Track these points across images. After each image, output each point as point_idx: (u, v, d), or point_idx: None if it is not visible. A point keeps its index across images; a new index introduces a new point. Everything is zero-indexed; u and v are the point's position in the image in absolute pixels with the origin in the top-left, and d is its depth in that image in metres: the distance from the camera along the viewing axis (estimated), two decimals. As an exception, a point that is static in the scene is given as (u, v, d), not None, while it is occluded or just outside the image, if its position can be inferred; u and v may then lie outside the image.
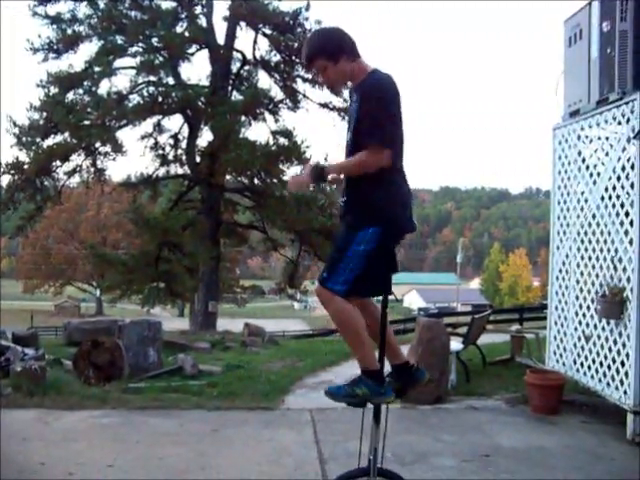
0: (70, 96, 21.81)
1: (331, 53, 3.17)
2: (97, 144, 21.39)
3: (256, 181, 23.01)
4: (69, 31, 22.53)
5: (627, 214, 5.64)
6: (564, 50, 6.93)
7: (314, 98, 22.80)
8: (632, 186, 5.58)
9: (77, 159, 22.45)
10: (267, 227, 23.87)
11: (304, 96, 22.64)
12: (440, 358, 6.70)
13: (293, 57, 21.98)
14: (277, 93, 22.75)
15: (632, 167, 5.59)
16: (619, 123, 5.89)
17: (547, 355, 7.14)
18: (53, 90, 21.82)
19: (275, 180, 22.56)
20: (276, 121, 22.78)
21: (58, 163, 22.09)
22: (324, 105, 22.37)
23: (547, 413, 6.24)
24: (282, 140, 22.34)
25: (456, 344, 7.80)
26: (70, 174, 22.84)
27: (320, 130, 25.11)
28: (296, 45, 21.56)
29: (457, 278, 69.59)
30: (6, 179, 22.08)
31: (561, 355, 6.82)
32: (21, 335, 9.35)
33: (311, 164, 3.28)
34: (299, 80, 22.57)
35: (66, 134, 21.28)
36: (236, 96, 22.74)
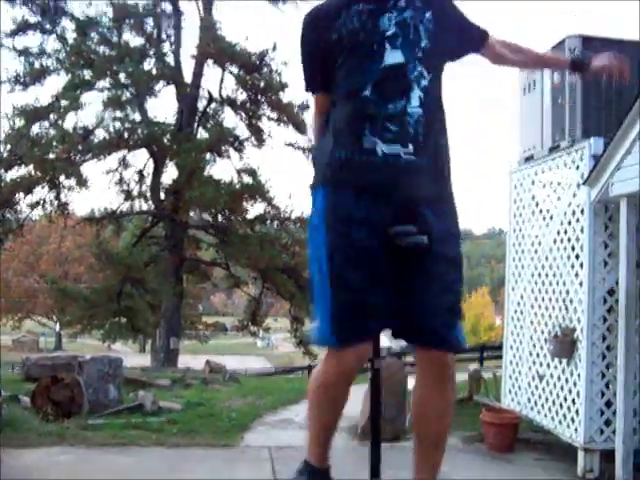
0: (35, 129, 21.81)
1: None
2: (62, 178, 21.37)
3: (220, 218, 23.14)
4: (37, 64, 22.65)
5: (577, 257, 5.87)
6: (520, 98, 7.23)
7: (279, 137, 23.14)
8: (582, 230, 5.81)
9: (41, 192, 22.38)
10: (230, 264, 23.95)
11: (269, 135, 22.97)
12: (397, 397, 6.81)
13: (259, 96, 22.31)
14: (242, 131, 23.06)
15: (582, 212, 5.83)
16: (570, 169, 6.14)
17: (502, 394, 7.29)
18: (18, 123, 21.81)
19: (239, 218, 22.72)
20: (241, 159, 23.05)
21: (21, 196, 21.99)
22: (289, 144, 22.69)
23: (502, 451, 6.36)
24: (246, 179, 22.59)
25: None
26: (33, 207, 22.73)
27: (284, 169, 25.48)
28: (262, 84, 21.91)
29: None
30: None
31: (516, 394, 6.98)
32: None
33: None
34: (264, 119, 22.91)
35: (30, 167, 21.24)
36: (202, 133, 23.00)
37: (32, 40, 23.25)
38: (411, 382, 7.51)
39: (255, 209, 23.21)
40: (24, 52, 22.69)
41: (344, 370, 2.36)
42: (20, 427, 6.50)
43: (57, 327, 53.76)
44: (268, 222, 23.62)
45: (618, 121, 5.26)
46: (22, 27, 22.85)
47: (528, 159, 6.96)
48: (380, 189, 2.30)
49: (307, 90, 2.63)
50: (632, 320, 5.30)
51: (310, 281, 2.42)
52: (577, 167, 5.94)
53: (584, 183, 5.66)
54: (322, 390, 2.46)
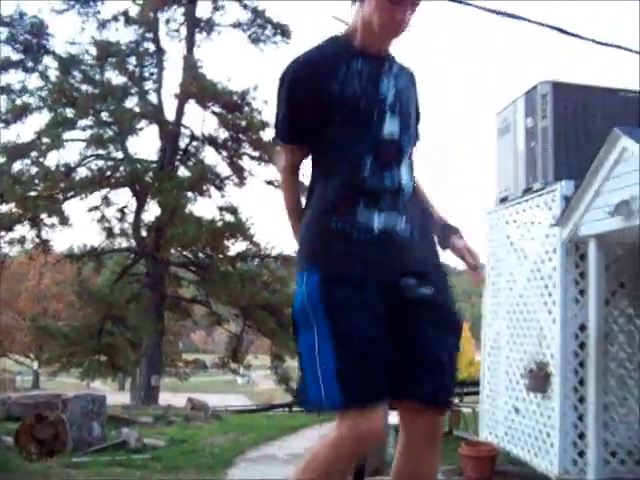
0: (17, 166, 21.87)
1: None
2: (43, 215, 21.40)
3: (201, 256, 23.24)
4: (19, 102, 22.79)
5: (550, 294, 6.10)
6: (496, 140, 7.52)
7: (260, 175, 23.39)
8: (554, 268, 6.05)
9: (21, 229, 22.37)
10: (211, 301, 23.97)
11: (250, 173, 23.18)
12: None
13: (240, 135, 22.58)
14: (224, 169, 23.26)
15: (554, 251, 6.08)
16: (542, 210, 6.40)
17: (480, 427, 7.46)
18: (0, 160, 21.88)
19: (220, 255, 22.83)
20: (222, 197, 23.21)
21: (2, 233, 21.98)
22: (269, 182, 22.92)
23: (480, 483, 6.51)
24: (228, 216, 22.74)
25: (395, 418, 8.05)
26: (14, 244, 22.72)
27: (265, 207, 25.68)
28: (243, 123, 22.20)
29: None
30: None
31: (493, 427, 7.15)
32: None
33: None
34: (245, 157, 23.15)
35: (12, 205, 21.26)
36: (183, 171, 23.15)
37: (14, 78, 23.46)
38: (392, 418, 7.71)
39: (236, 247, 23.35)
40: (6, 90, 22.82)
41: (367, 438, 2.04)
42: (4, 467, 6.55)
43: (35, 365, 53.04)
44: (249, 259, 23.73)
45: (588, 165, 5.53)
46: (4, 65, 23.00)
47: (503, 200, 7.23)
48: (378, 268, 2.13)
49: (284, 139, 2.33)
50: (601, 355, 5.52)
51: (300, 350, 2.15)
52: (549, 208, 6.20)
53: (555, 224, 5.91)
54: (334, 468, 2.09)
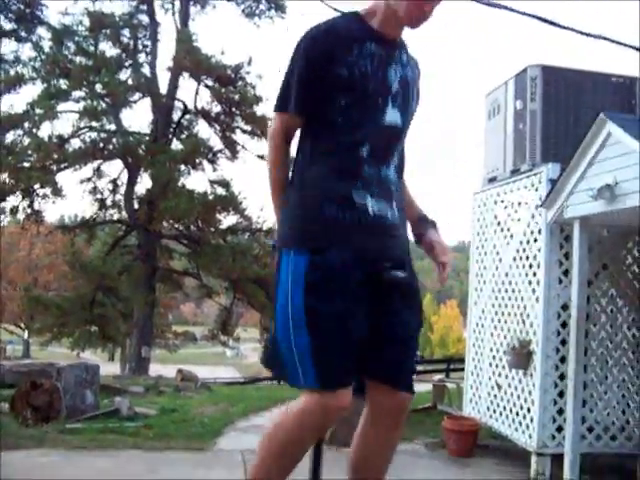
0: (10, 137, 21.88)
1: None
2: (36, 186, 21.46)
3: (193, 229, 23.39)
4: (12, 72, 22.72)
5: (534, 274, 6.27)
6: (485, 122, 7.64)
7: (252, 150, 23.44)
8: (539, 249, 6.22)
9: (14, 200, 22.45)
10: (202, 274, 24.15)
11: (242, 147, 23.27)
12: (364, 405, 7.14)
13: (233, 109, 22.62)
14: (216, 143, 23.34)
15: (539, 232, 6.23)
16: (529, 191, 6.55)
17: (464, 403, 7.67)
18: (-8, 130, 21.89)
19: (212, 229, 22.98)
20: (214, 170, 23.32)
21: (-6, 203, 22.07)
22: (261, 157, 23.01)
23: (462, 456, 6.72)
24: (220, 190, 22.87)
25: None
26: (6, 215, 22.82)
27: (257, 181, 25.75)
28: (237, 97, 22.23)
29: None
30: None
31: (476, 403, 7.35)
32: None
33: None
34: (238, 131, 23.21)
35: (5, 175, 21.31)
36: (176, 144, 23.22)
37: (7, 48, 23.36)
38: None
39: (228, 220, 23.54)
40: (-1, 60, 22.81)
41: (332, 419, 2.21)
42: (1, 431, 6.72)
43: (25, 335, 53.28)
44: (240, 233, 23.90)
45: (575, 148, 5.67)
46: (-3, 34, 22.95)
47: (491, 180, 7.37)
48: (368, 251, 2.22)
49: (287, 108, 2.30)
50: (582, 334, 5.70)
51: (277, 324, 2.27)
52: (536, 189, 6.34)
53: (541, 205, 6.06)
54: (298, 440, 2.24)
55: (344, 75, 2.18)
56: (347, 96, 2.21)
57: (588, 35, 6.34)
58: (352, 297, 2.15)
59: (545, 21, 5.99)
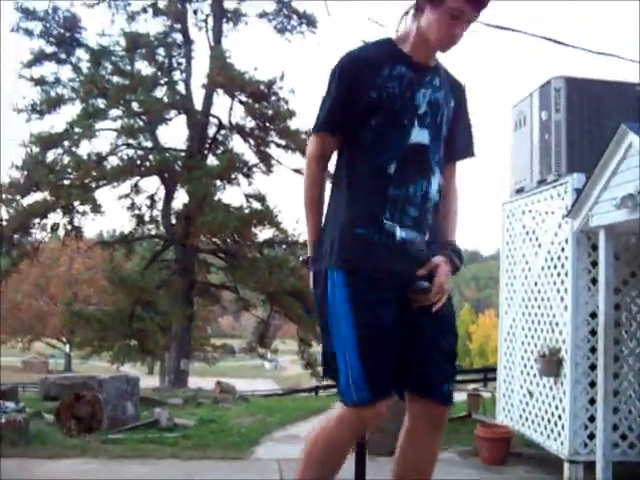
0: (50, 156, 22.48)
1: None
2: (76, 203, 21.99)
3: (229, 242, 23.72)
4: (52, 93, 23.40)
5: (562, 282, 6.34)
6: (512, 133, 7.75)
7: (287, 163, 23.74)
8: (567, 258, 6.29)
9: (55, 217, 23.03)
10: (239, 287, 24.45)
11: (277, 161, 23.59)
12: (396, 413, 7.25)
13: (267, 123, 22.95)
14: (251, 158, 23.70)
15: (566, 241, 6.31)
16: (556, 201, 6.64)
17: (497, 411, 7.74)
18: (34, 150, 22.49)
19: (248, 242, 23.29)
20: (250, 184, 23.65)
21: (36, 221, 22.62)
22: (297, 170, 23.27)
23: (495, 464, 6.78)
24: (255, 204, 23.20)
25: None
26: (47, 231, 23.39)
27: (292, 195, 26.02)
28: (270, 112, 22.56)
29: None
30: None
31: (509, 411, 7.42)
32: (0, 390, 9.73)
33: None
34: (273, 146, 23.53)
35: (46, 193, 21.88)
36: (212, 160, 23.62)
37: (48, 70, 24.07)
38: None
39: (264, 234, 23.85)
40: (40, 81, 23.52)
41: (366, 427, 2.45)
42: (46, 441, 7.00)
43: (67, 349, 54.24)
44: (276, 246, 24.16)
45: (600, 158, 5.75)
46: (39, 57, 23.70)
47: (519, 191, 7.46)
48: (395, 272, 2.35)
49: (320, 129, 2.46)
50: (610, 341, 5.76)
51: (325, 339, 2.44)
52: (562, 199, 6.43)
53: (567, 215, 6.15)
54: (334, 450, 2.42)
55: (373, 97, 2.33)
56: (376, 116, 2.35)
57: (598, 53, 6.45)
58: (387, 314, 2.30)
59: (555, 41, 6.12)
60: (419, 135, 2.38)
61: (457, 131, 2.54)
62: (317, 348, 27.48)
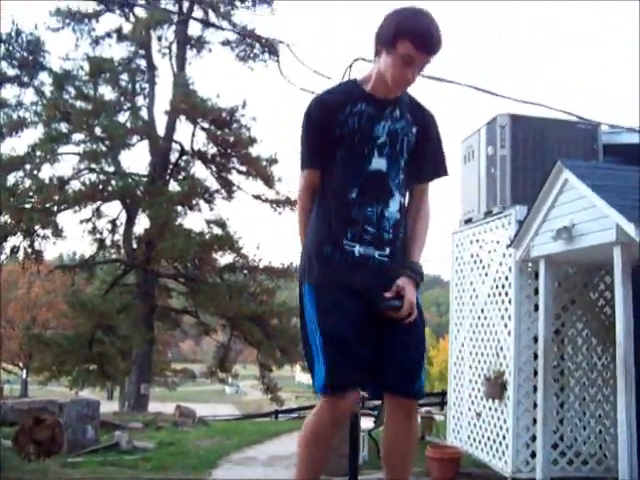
0: (11, 179, 22.36)
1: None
2: (37, 227, 21.90)
3: (190, 267, 23.79)
4: (14, 116, 23.34)
5: (506, 309, 6.71)
6: (461, 166, 8.14)
7: (248, 190, 23.98)
8: (510, 286, 6.66)
9: (15, 240, 22.85)
10: (200, 312, 24.49)
11: (238, 187, 23.81)
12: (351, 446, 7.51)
13: (229, 150, 23.20)
14: (213, 183, 23.87)
15: (510, 270, 6.69)
16: (500, 232, 7.02)
17: (447, 432, 8.05)
18: (-6, 172, 22.37)
19: (208, 267, 23.41)
20: (211, 209, 23.80)
21: (-5, 244, 22.47)
22: (257, 197, 23.54)
23: (445, 483, 7.09)
24: (216, 229, 23.36)
25: (368, 423, 8.62)
26: (7, 254, 23.22)
27: (252, 221, 26.16)
28: (232, 139, 22.83)
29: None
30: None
31: (458, 432, 7.74)
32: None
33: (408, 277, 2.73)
34: (234, 172, 23.77)
35: (6, 216, 21.76)
36: (174, 185, 23.72)
37: (10, 92, 24.01)
38: (363, 423, 8.23)
39: (224, 259, 23.96)
40: (2, 104, 23.41)
41: (341, 415, 2.75)
42: (4, 465, 7.07)
43: (23, 374, 53.28)
44: (237, 271, 24.28)
45: (540, 192, 6.14)
46: (1, 80, 23.58)
47: (467, 221, 7.85)
48: (355, 285, 2.65)
49: (304, 166, 2.79)
50: (549, 364, 6.13)
51: (304, 345, 2.79)
52: (506, 230, 6.82)
53: (510, 245, 6.53)
54: (318, 433, 2.77)
55: (338, 132, 2.67)
56: (341, 149, 2.68)
57: (524, 102, 6.95)
58: (346, 318, 2.63)
59: (485, 91, 6.58)
60: (378, 162, 2.69)
61: (423, 155, 2.80)
62: (277, 373, 27.57)
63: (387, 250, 2.72)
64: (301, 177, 2.86)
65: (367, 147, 2.68)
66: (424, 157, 2.81)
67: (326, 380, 2.64)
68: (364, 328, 2.65)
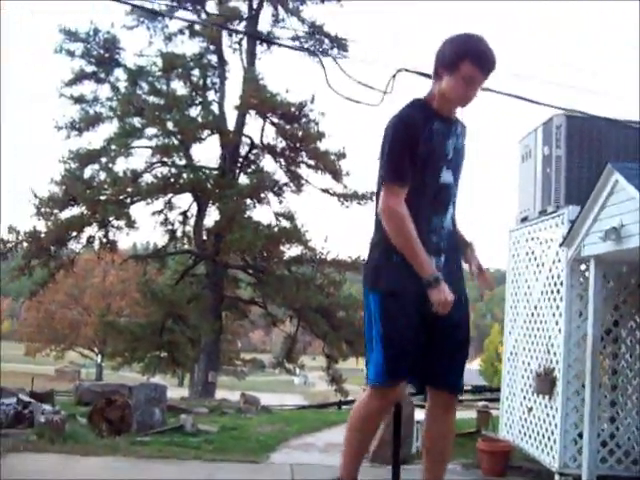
0: (88, 172, 23.33)
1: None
2: (111, 218, 22.78)
3: (258, 259, 24.32)
4: (91, 111, 24.29)
5: (557, 307, 6.82)
6: (519, 165, 8.25)
7: (316, 183, 24.32)
8: (562, 284, 6.78)
9: (90, 230, 23.83)
10: (267, 303, 25.01)
11: (306, 181, 24.18)
12: (404, 425, 7.75)
13: (297, 144, 23.59)
14: (281, 177, 24.32)
15: (562, 268, 6.79)
16: (554, 230, 7.12)
17: (499, 427, 8.20)
18: (73, 165, 23.36)
19: (276, 259, 23.88)
20: (280, 202, 24.26)
21: (73, 234, 23.46)
22: (325, 190, 23.87)
23: (494, 475, 7.25)
24: (284, 222, 23.79)
25: (422, 415, 8.84)
26: (83, 245, 24.22)
27: (320, 214, 26.54)
28: (301, 134, 23.21)
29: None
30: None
31: (510, 426, 7.88)
32: (38, 393, 10.41)
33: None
34: (303, 166, 24.14)
35: (83, 208, 22.70)
36: (243, 178, 24.26)
37: (87, 89, 24.94)
38: (417, 414, 8.47)
39: (292, 251, 24.42)
40: (80, 100, 24.42)
41: (388, 404, 3.13)
42: (80, 440, 7.60)
43: (99, 359, 55.12)
44: (304, 264, 24.68)
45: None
46: (79, 77, 24.59)
47: (523, 219, 7.96)
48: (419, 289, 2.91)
49: (397, 181, 2.92)
50: (597, 362, 6.23)
51: (365, 336, 3.12)
52: (560, 229, 6.92)
53: (561, 244, 6.64)
54: (367, 420, 3.10)
55: (421, 149, 2.92)
56: (420, 163, 2.94)
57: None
58: (408, 323, 2.94)
59: (529, 100, 6.73)
60: (447, 176, 3.02)
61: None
62: (345, 365, 27.88)
63: (442, 258, 3.04)
64: (391, 191, 2.95)
65: (440, 163, 2.98)
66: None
67: (386, 375, 2.98)
68: (421, 329, 2.98)
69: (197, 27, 24.96)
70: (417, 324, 2.94)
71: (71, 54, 24.18)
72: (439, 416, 3.13)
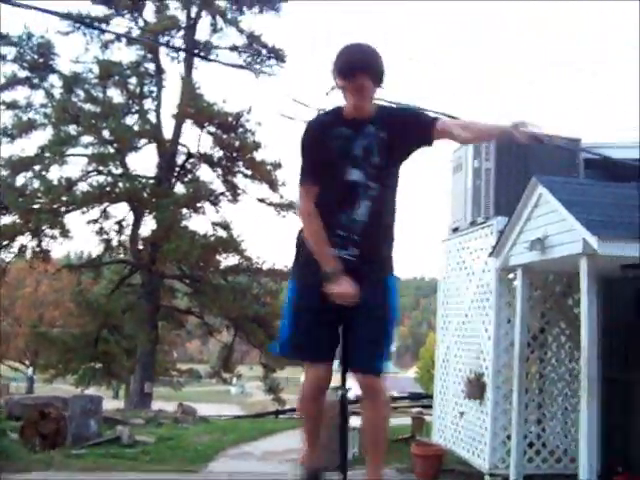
0: (21, 180, 22.79)
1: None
2: (45, 227, 22.33)
3: (194, 269, 24.16)
4: (24, 118, 23.76)
5: (487, 314, 7.08)
6: (451, 177, 8.52)
7: (252, 193, 24.35)
8: (491, 292, 7.04)
9: (23, 239, 23.26)
10: (204, 313, 24.86)
11: (243, 190, 24.18)
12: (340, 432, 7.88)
13: (234, 154, 23.58)
14: (218, 186, 24.24)
15: (491, 277, 7.05)
16: (484, 241, 7.39)
17: (433, 431, 8.42)
18: (4, 173, 22.79)
19: (212, 269, 23.78)
20: (216, 212, 24.18)
21: (4, 243, 22.89)
22: (261, 200, 23.91)
23: (428, 478, 7.46)
24: (220, 232, 23.72)
25: (358, 421, 9.00)
26: (15, 254, 23.64)
27: (256, 224, 26.44)
28: (237, 143, 23.23)
29: (393, 367, 70.54)
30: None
31: (443, 431, 8.11)
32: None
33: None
34: (239, 175, 24.15)
35: (15, 216, 22.19)
36: (180, 188, 24.09)
37: (20, 94, 24.37)
38: (353, 421, 8.59)
39: (228, 260, 24.32)
40: (12, 105, 23.84)
41: (311, 384, 3.26)
42: (12, 456, 7.50)
43: (30, 372, 53.66)
44: (240, 273, 24.63)
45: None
46: (11, 82, 23.98)
47: (455, 230, 8.23)
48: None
49: (305, 182, 3.18)
50: (523, 367, 6.50)
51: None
52: (489, 239, 7.19)
53: (490, 254, 6.90)
54: (301, 401, 3.40)
55: (324, 152, 3.13)
56: (324, 165, 3.14)
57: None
58: (315, 308, 3.12)
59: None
60: (354, 174, 3.15)
61: (408, 128, 3.20)
62: (280, 374, 27.89)
63: (355, 251, 3.16)
64: (300, 192, 3.24)
65: (343, 162, 3.14)
66: (410, 128, 3.20)
67: (292, 347, 3.27)
68: (330, 314, 3.13)
69: (135, 34, 24.70)
70: (319, 309, 3.11)
71: (2, 58, 23.62)
72: (367, 404, 3.22)
